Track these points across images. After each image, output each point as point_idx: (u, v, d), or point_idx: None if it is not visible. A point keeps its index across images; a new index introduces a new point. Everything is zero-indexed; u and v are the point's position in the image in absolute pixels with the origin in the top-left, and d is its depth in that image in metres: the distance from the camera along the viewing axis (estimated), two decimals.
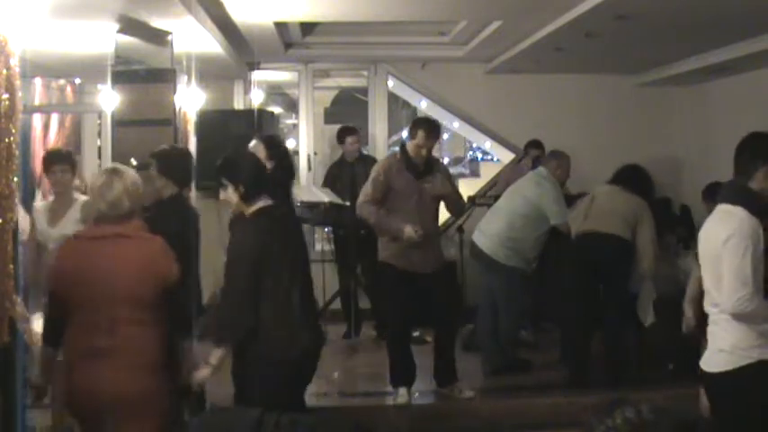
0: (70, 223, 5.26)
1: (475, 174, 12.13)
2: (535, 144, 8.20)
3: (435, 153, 6.95)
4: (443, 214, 6.90)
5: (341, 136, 8.31)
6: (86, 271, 3.59)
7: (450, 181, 6.23)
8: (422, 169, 5.95)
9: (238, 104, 9.19)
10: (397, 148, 7.56)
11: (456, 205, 6.28)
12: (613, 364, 6.33)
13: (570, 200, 6.93)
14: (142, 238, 3.71)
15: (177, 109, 5.95)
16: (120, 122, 5.74)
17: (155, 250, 3.71)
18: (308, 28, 8.25)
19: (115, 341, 3.54)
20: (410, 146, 5.98)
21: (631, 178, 6.44)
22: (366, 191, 6.03)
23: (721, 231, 3.51)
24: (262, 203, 4.07)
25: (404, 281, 5.92)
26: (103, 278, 3.59)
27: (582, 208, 6.54)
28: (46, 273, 3.63)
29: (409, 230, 5.76)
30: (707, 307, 3.68)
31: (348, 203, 7.64)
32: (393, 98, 9.81)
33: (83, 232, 3.84)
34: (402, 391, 6.00)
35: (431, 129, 5.99)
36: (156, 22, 5.60)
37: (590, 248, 6.29)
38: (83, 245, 3.68)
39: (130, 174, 3.75)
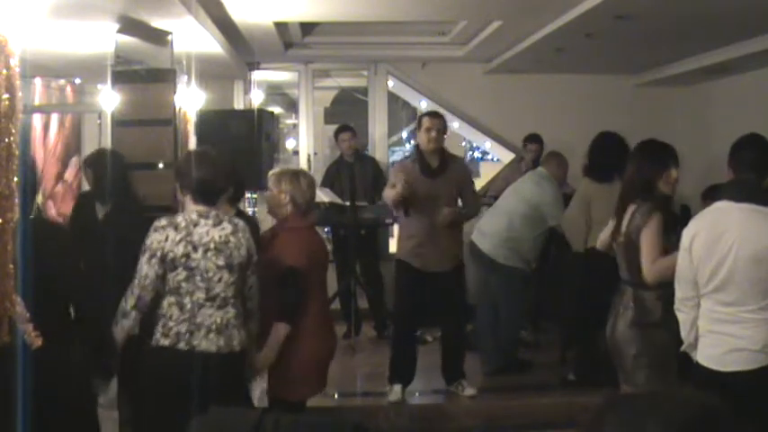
0: None
1: (475, 174, 12.12)
2: (533, 138, 8.17)
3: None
4: None
5: (335, 135, 8.38)
6: (322, 254, 4.67)
7: (467, 186, 6.14)
8: (434, 168, 5.92)
9: (238, 104, 9.19)
10: (397, 148, 7.58)
11: (465, 212, 6.12)
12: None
13: (569, 200, 6.91)
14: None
15: (177, 109, 5.94)
16: (120, 122, 5.73)
17: None
18: (308, 28, 8.25)
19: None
20: (421, 137, 5.93)
21: (611, 164, 5.91)
22: (388, 185, 6.09)
23: None
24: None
25: (417, 279, 5.92)
26: (327, 260, 4.82)
27: (580, 211, 6.37)
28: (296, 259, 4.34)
29: (398, 188, 5.79)
30: (713, 306, 3.57)
31: (348, 203, 7.64)
32: (393, 98, 9.80)
33: (296, 223, 4.48)
34: (396, 388, 6.01)
35: (433, 113, 6.17)
36: (156, 22, 5.60)
37: (602, 266, 6.04)
38: (306, 233, 4.54)
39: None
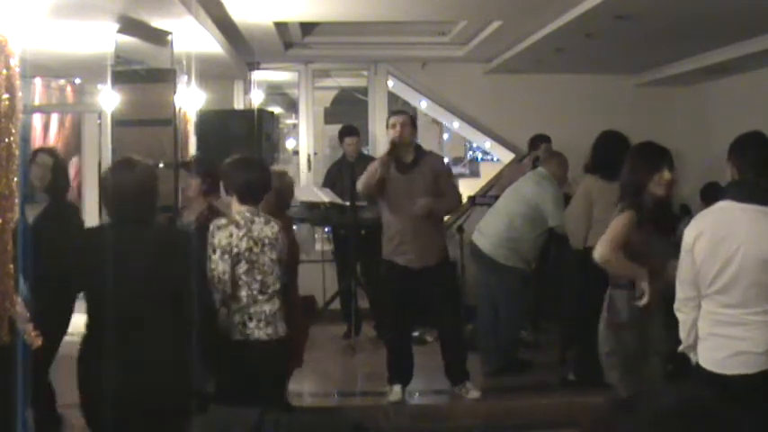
0: None
1: (475, 174, 12.12)
2: (544, 138, 8.07)
3: (436, 152, 6.97)
4: None
5: (340, 136, 8.34)
6: (295, 247, 5.02)
7: (444, 178, 6.07)
8: (408, 162, 5.93)
9: (238, 104, 9.19)
10: None
11: (443, 203, 6.04)
12: None
13: (570, 200, 6.91)
14: None
15: (177, 109, 5.95)
16: (120, 122, 5.74)
17: None
18: (308, 28, 8.25)
19: None
20: (390, 135, 5.98)
21: (614, 163, 6.12)
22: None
23: None
24: None
25: (403, 277, 5.92)
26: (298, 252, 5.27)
27: (582, 209, 6.38)
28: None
29: (377, 163, 5.94)
30: (716, 308, 3.53)
31: (348, 203, 7.64)
32: (393, 98, 9.80)
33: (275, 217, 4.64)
34: (396, 388, 6.00)
35: (397, 111, 6.46)
36: (156, 22, 5.61)
37: (599, 267, 6.04)
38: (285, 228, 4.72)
39: None
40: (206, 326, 3.92)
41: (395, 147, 5.90)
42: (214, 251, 4.16)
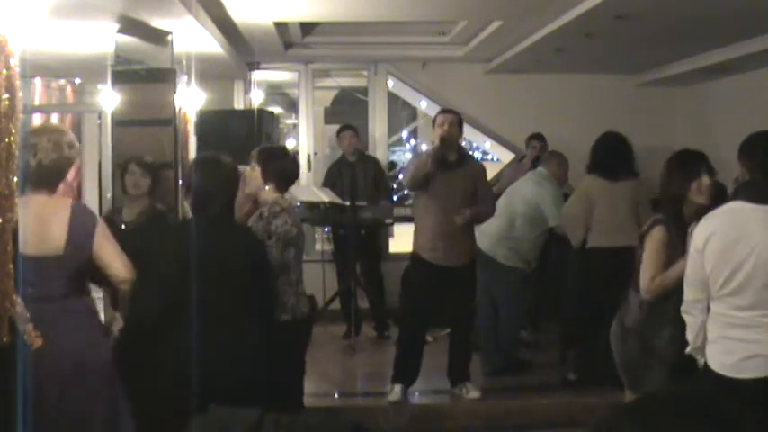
0: None
1: None
2: (536, 136, 8.13)
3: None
4: None
5: (338, 133, 8.38)
6: None
7: (483, 185, 6.13)
8: (451, 162, 5.91)
9: (238, 104, 9.19)
10: (397, 148, 7.54)
11: (482, 212, 6.08)
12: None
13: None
14: None
15: (177, 109, 5.95)
16: (120, 122, 5.74)
17: None
18: (308, 28, 8.25)
19: None
20: (436, 133, 5.97)
21: (614, 163, 6.20)
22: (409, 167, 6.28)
23: None
24: None
25: (431, 274, 5.91)
26: None
27: (581, 209, 6.40)
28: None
29: (425, 157, 5.99)
30: (727, 310, 3.47)
31: (348, 203, 7.64)
32: (393, 98, 9.80)
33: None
34: (397, 388, 6.00)
35: (447, 110, 6.27)
36: (156, 22, 5.60)
37: (603, 266, 6.06)
38: None
39: None
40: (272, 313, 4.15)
41: (444, 142, 5.88)
42: (270, 237, 4.27)
